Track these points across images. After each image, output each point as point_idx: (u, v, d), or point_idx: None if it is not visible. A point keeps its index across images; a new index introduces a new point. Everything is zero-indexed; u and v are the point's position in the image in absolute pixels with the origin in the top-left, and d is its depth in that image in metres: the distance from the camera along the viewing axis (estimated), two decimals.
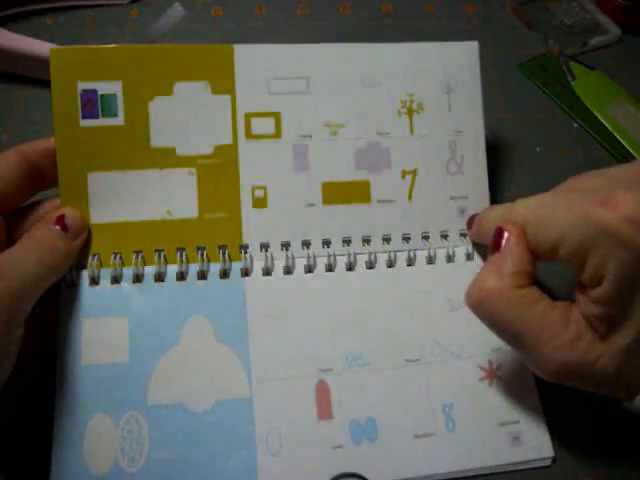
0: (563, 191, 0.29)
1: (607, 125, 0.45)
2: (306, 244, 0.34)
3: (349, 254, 0.34)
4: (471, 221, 0.35)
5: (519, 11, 0.52)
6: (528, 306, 0.27)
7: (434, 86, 0.36)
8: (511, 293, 0.27)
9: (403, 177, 0.35)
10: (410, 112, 0.35)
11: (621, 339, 0.26)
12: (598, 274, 0.25)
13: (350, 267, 0.34)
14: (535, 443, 0.31)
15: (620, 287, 0.25)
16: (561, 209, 0.27)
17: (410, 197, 0.35)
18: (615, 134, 0.44)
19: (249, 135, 0.34)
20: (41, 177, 0.32)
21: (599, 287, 0.26)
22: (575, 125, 0.45)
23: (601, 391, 0.28)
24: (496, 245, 0.29)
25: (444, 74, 0.36)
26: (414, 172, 0.35)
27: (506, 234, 0.29)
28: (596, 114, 0.45)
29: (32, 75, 0.44)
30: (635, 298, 0.25)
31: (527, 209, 0.29)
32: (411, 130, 0.35)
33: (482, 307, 0.28)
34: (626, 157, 0.43)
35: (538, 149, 0.44)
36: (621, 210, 0.24)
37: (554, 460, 0.31)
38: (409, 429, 0.31)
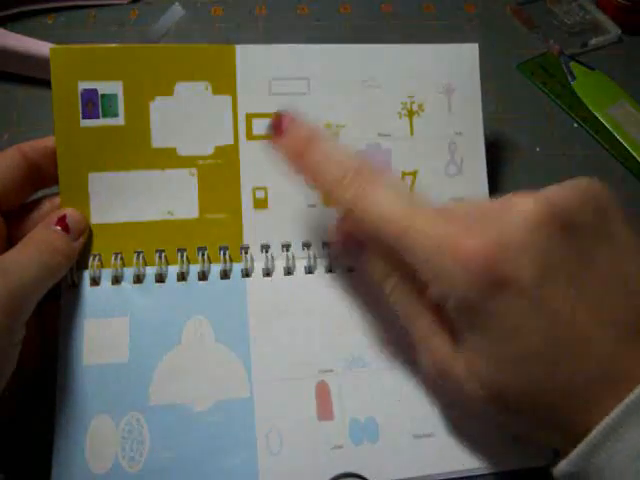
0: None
1: (607, 125, 0.45)
2: (307, 245, 0.34)
3: None
4: (281, 121, 0.29)
5: (519, 11, 0.52)
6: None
7: (434, 88, 0.36)
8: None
9: (403, 178, 0.35)
10: (410, 113, 0.35)
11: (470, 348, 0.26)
12: (439, 302, 0.26)
13: (350, 268, 0.34)
14: (534, 443, 0.31)
15: (462, 321, 0.26)
16: (418, 214, 0.26)
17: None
18: (615, 134, 0.44)
19: (250, 136, 0.34)
20: (41, 176, 0.32)
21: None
22: (575, 125, 0.45)
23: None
24: None
25: (444, 76, 0.36)
26: (414, 173, 0.35)
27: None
28: (596, 114, 0.45)
29: (32, 75, 0.44)
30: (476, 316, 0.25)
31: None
32: (411, 131, 0.35)
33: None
34: (626, 157, 0.43)
35: (538, 149, 0.44)
36: (478, 244, 0.25)
37: (554, 460, 0.31)
38: (409, 429, 0.31)
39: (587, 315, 0.25)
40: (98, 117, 0.33)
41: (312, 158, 0.28)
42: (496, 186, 0.40)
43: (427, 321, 0.28)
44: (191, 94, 0.33)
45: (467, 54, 0.36)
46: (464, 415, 0.31)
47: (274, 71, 0.34)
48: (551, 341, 0.25)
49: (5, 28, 0.44)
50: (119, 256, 0.32)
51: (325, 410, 0.31)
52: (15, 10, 0.48)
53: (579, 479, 0.25)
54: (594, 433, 0.24)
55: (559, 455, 0.27)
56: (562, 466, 0.25)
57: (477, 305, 0.25)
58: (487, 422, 0.31)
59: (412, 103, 0.36)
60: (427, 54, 0.36)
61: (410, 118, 0.36)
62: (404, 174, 0.35)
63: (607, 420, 0.24)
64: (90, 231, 0.32)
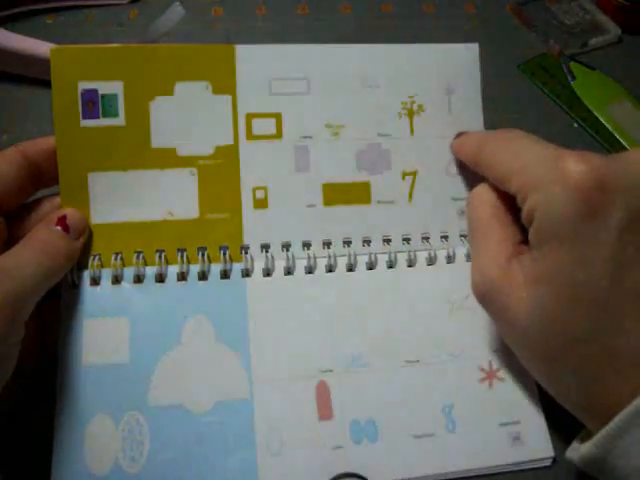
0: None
1: (607, 125, 0.45)
2: (307, 245, 0.34)
3: (349, 255, 0.34)
4: (458, 136, 0.36)
5: (519, 11, 0.52)
6: (495, 214, 0.30)
7: (434, 88, 0.36)
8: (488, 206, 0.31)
9: (403, 178, 0.35)
10: (410, 113, 0.35)
11: (544, 287, 0.26)
12: (530, 215, 0.27)
13: (350, 268, 0.34)
14: (535, 443, 0.31)
15: (542, 232, 0.26)
16: (538, 144, 0.29)
17: (410, 198, 0.35)
18: (615, 134, 0.44)
19: (250, 136, 0.34)
20: (41, 176, 0.32)
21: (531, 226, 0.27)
22: (575, 125, 0.45)
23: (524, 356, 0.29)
24: None
25: (444, 76, 0.36)
26: (414, 173, 0.35)
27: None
28: (596, 114, 0.45)
29: (32, 75, 0.44)
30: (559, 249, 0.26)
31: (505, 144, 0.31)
32: (411, 131, 0.35)
33: (467, 206, 0.33)
34: None
35: None
36: (592, 165, 0.25)
37: (554, 460, 0.31)
38: (409, 429, 0.31)
39: None
40: (98, 117, 0.32)
41: (463, 139, 0.35)
42: None
43: (494, 233, 0.30)
44: (191, 94, 0.33)
45: (467, 54, 0.36)
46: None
47: (274, 71, 0.34)
48: (612, 287, 0.25)
49: (5, 28, 0.44)
50: (119, 256, 0.32)
51: (325, 410, 0.31)
52: (15, 10, 0.48)
53: (599, 465, 0.25)
54: (621, 416, 0.24)
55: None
56: (584, 450, 0.25)
57: (563, 222, 0.25)
58: (488, 421, 0.32)
59: (412, 103, 0.35)
60: (427, 54, 0.36)
61: (410, 118, 0.36)
62: (404, 174, 0.35)
63: (633, 405, 0.24)
64: (90, 231, 0.32)
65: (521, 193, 0.28)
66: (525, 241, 0.29)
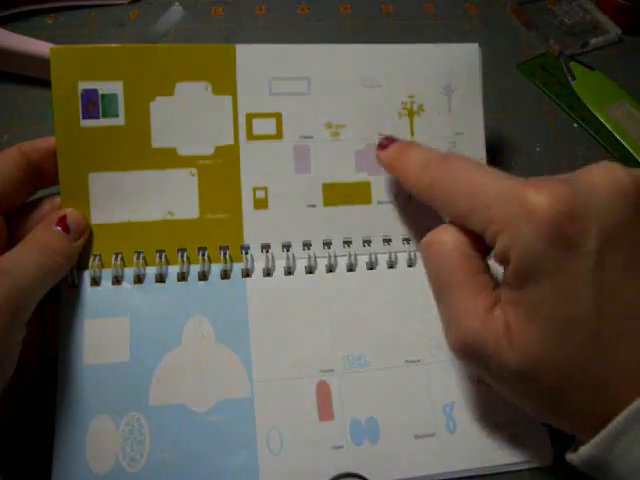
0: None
1: (607, 125, 0.45)
2: (307, 245, 0.34)
3: (350, 255, 0.34)
4: (388, 141, 0.33)
5: (519, 11, 0.52)
6: (467, 262, 0.28)
7: (434, 88, 0.36)
8: (458, 255, 0.28)
9: None
10: (411, 113, 0.35)
11: (529, 331, 0.25)
12: (503, 255, 0.26)
13: (351, 268, 0.34)
14: (535, 443, 0.31)
15: (520, 272, 0.25)
16: (493, 178, 0.27)
17: (410, 199, 0.35)
18: (615, 134, 0.44)
19: (250, 136, 0.34)
20: (41, 176, 0.32)
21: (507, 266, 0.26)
22: (575, 125, 0.45)
23: (521, 402, 0.28)
24: None
25: (444, 76, 0.36)
26: None
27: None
28: (596, 114, 0.45)
29: (32, 75, 0.44)
30: (538, 286, 0.25)
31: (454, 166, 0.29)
32: (411, 132, 0.35)
33: (428, 255, 0.29)
34: (625, 157, 0.43)
35: (538, 149, 0.44)
36: (556, 195, 0.25)
37: (554, 460, 0.31)
38: (410, 429, 0.31)
39: (635, 297, 0.25)
40: (98, 117, 0.32)
41: (401, 160, 0.32)
42: None
43: (469, 284, 0.27)
44: (191, 94, 0.33)
45: (467, 54, 0.36)
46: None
47: (274, 71, 0.34)
48: (599, 312, 0.24)
49: (5, 28, 0.44)
50: (119, 256, 0.32)
51: (325, 410, 0.31)
52: (15, 10, 0.48)
53: (598, 466, 0.25)
54: (619, 419, 0.24)
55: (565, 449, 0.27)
56: (584, 451, 0.25)
57: (540, 259, 0.24)
58: (488, 421, 0.32)
59: (412, 103, 0.36)
60: (427, 54, 0.36)
61: (410, 118, 0.36)
62: None
63: (633, 406, 0.24)
64: (90, 231, 0.32)
65: (488, 233, 0.26)
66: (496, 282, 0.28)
